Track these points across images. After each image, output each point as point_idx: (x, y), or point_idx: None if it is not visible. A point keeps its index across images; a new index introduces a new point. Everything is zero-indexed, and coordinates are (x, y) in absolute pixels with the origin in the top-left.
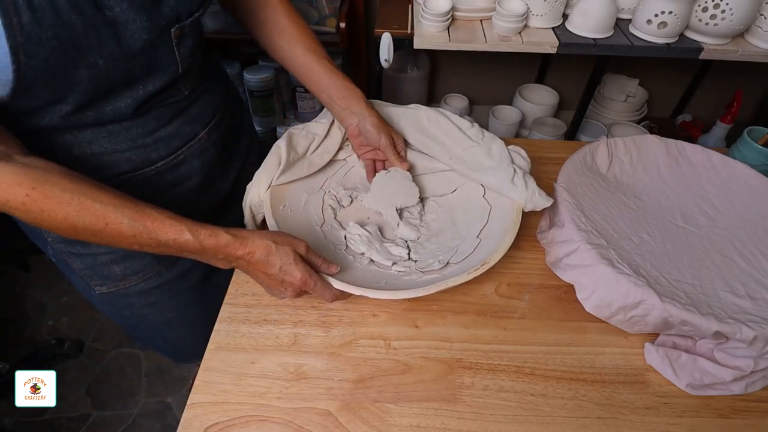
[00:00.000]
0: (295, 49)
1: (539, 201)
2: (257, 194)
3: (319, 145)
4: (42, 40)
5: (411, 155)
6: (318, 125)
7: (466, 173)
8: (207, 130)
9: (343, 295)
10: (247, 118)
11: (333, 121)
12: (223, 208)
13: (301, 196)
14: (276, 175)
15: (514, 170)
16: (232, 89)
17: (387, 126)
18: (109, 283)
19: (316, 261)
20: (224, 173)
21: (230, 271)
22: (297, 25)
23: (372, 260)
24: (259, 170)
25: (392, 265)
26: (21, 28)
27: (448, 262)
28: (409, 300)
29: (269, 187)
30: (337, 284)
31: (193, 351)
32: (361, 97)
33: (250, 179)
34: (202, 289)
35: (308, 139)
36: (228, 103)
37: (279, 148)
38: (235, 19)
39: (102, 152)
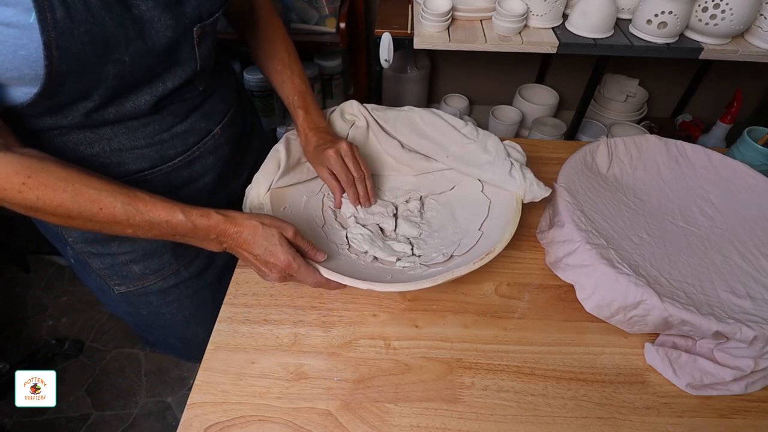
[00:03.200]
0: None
1: (538, 191)
2: (257, 196)
3: None
4: (74, 36)
5: (408, 156)
6: None
7: (464, 170)
8: (221, 126)
9: (328, 284)
10: (257, 117)
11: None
12: (236, 208)
13: (300, 198)
14: (275, 178)
15: (511, 163)
16: (242, 88)
17: (321, 155)
18: (128, 283)
19: (304, 246)
20: (238, 171)
21: None
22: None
23: (376, 258)
24: (258, 173)
25: (396, 261)
26: (54, 23)
27: (452, 255)
28: (409, 299)
29: (269, 190)
30: (345, 280)
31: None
32: (301, 121)
33: None
34: (219, 286)
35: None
36: (239, 101)
37: (278, 151)
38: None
39: (121, 149)
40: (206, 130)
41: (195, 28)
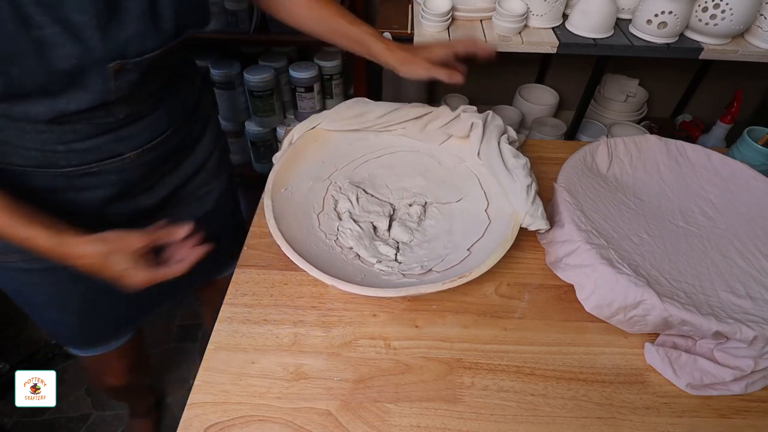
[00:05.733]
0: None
1: (538, 220)
2: (296, 132)
3: (387, 114)
4: None
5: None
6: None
7: (487, 163)
8: (138, 152)
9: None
10: (212, 131)
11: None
12: (144, 221)
13: (306, 183)
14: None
15: (530, 183)
16: (204, 102)
17: (416, 56)
18: None
19: (162, 237)
20: (151, 190)
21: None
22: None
23: (358, 255)
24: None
25: (376, 263)
26: None
27: (430, 270)
28: (408, 300)
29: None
30: (314, 272)
31: (66, 338)
32: (377, 46)
33: (192, 197)
34: (85, 279)
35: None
36: (183, 123)
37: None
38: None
39: (7, 141)
40: (114, 152)
41: (111, 64)
